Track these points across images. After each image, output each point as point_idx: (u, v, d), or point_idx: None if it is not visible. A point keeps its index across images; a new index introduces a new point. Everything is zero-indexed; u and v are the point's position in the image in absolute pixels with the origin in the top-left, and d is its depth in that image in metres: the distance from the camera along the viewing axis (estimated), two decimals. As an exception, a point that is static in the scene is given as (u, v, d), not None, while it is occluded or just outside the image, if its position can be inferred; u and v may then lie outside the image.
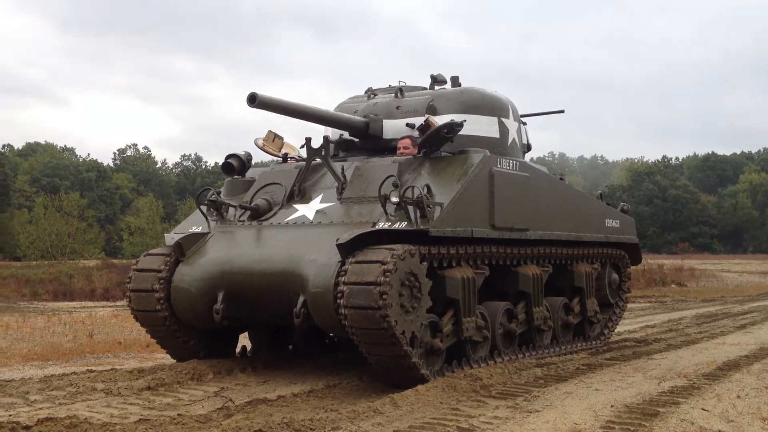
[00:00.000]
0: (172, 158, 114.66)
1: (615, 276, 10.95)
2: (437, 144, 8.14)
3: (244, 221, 8.14)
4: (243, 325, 8.69)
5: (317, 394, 6.96)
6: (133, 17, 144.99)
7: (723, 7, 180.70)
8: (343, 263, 6.79)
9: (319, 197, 8.09)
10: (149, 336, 8.42)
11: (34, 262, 37.58)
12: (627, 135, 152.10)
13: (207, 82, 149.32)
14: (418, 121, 8.49)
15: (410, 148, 8.37)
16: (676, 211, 71.46)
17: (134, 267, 8.08)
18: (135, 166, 79.93)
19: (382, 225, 7.11)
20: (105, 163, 77.02)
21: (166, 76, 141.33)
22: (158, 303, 7.75)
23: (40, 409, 6.36)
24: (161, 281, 7.75)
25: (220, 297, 7.51)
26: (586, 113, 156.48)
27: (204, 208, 8.30)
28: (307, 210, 7.95)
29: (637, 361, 9.01)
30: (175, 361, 8.27)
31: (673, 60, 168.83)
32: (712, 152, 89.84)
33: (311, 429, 5.48)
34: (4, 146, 77.35)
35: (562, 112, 11.87)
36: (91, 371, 8.16)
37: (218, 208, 8.31)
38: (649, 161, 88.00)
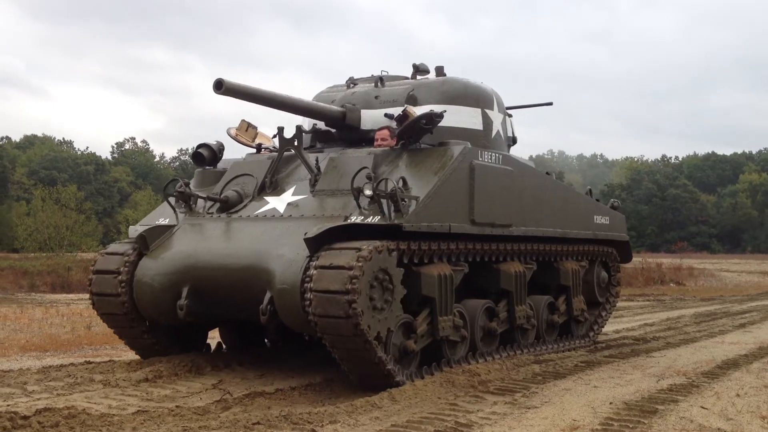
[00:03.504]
0: (168, 152, 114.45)
1: (604, 274, 10.72)
2: (415, 135, 7.75)
3: (213, 213, 7.80)
4: (210, 322, 8.38)
5: (315, 387, 6.94)
6: (102, 5, 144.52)
7: (708, 3, 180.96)
8: (311, 259, 6.48)
9: (292, 189, 7.76)
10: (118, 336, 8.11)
11: (32, 254, 37.54)
12: (616, 133, 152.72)
13: (182, 72, 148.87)
14: (398, 111, 8.11)
15: (388, 140, 8.02)
16: (676, 210, 71.55)
17: (93, 268, 7.71)
18: (133, 159, 79.86)
19: (355, 219, 6.82)
20: (103, 156, 77.05)
21: (141, 67, 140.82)
22: (122, 306, 7.45)
23: (39, 399, 6.34)
24: (122, 284, 7.40)
25: (184, 292, 7.17)
26: (577, 109, 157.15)
27: (173, 200, 7.96)
28: (278, 202, 7.63)
29: (636, 358, 9.00)
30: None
31: (658, 57, 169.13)
32: (712, 152, 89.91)
33: (309, 422, 5.46)
34: (2, 138, 77.25)
35: (551, 104, 11.51)
36: (89, 362, 8.14)
37: (186, 200, 7.97)
38: (649, 160, 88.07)
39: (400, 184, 6.91)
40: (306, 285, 6.36)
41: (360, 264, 6.19)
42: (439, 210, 7.14)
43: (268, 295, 6.72)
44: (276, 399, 6.43)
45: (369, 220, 6.76)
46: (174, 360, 7.71)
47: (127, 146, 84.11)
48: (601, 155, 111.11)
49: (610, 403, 6.21)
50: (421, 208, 6.91)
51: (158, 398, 6.46)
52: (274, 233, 7.12)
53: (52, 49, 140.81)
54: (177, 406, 5.97)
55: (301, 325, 6.71)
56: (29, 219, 43.57)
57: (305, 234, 6.56)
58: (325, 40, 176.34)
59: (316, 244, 6.51)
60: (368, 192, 6.79)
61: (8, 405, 6.06)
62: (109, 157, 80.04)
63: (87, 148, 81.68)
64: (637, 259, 28.25)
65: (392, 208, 6.73)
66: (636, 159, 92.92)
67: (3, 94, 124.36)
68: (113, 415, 5.68)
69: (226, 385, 7.02)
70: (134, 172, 75.33)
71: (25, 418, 5.39)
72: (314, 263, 6.38)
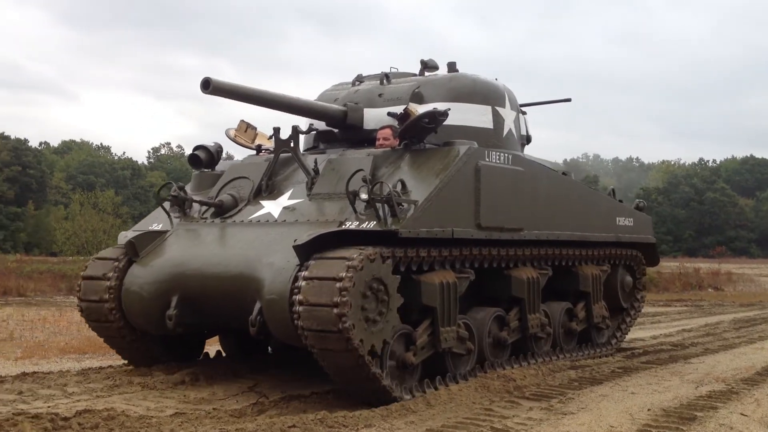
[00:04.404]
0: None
1: (628, 278, 10.22)
2: (418, 135, 7.27)
3: (207, 218, 7.44)
4: (204, 332, 8.09)
5: (351, 391, 6.96)
6: (133, 11, 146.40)
7: (741, 1, 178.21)
8: (300, 268, 6.07)
9: (288, 193, 7.34)
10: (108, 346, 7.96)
11: (70, 258, 38.08)
12: (652, 135, 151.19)
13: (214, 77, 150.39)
14: (401, 109, 7.65)
15: (390, 139, 7.58)
16: (713, 214, 70.53)
17: (83, 273, 7.47)
18: (169, 164, 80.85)
19: (350, 224, 6.40)
20: (139, 161, 78.19)
21: (172, 72, 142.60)
22: (110, 314, 7.17)
23: (78, 401, 6.44)
24: (111, 290, 7.12)
25: (173, 302, 6.82)
26: (611, 112, 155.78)
27: (167, 204, 7.62)
28: (273, 207, 7.22)
29: (674, 365, 8.87)
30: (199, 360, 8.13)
31: (692, 57, 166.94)
32: (751, 155, 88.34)
33: (344, 426, 5.48)
34: (40, 144, 78.78)
35: (569, 100, 10.96)
36: (128, 365, 8.24)
37: (181, 204, 7.60)
38: (686, 164, 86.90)
39: (398, 187, 6.55)
40: (294, 296, 5.97)
41: (350, 275, 5.77)
42: (440, 214, 6.70)
43: (257, 306, 6.32)
44: (312, 402, 6.45)
45: (364, 225, 6.34)
46: (211, 363, 7.79)
47: (162, 151, 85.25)
48: (637, 158, 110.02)
49: (648, 410, 6.14)
50: (420, 212, 6.45)
51: (195, 401, 6.53)
52: (266, 239, 6.72)
53: (85, 55, 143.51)
54: (214, 409, 6.04)
55: (291, 337, 6.26)
56: (67, 223, 44.32)
57: (294, 241, 6.17)
58: (354, 43, 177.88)
59: (307, 251, 6.10)
60: (364, 196, 6.34)
61: (49, 406, 6.17)
62: (146, 162, 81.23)
63: (123, 153, 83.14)
64: (674, 264, 27.88)
65: (388, 213, 6.32)
66: (672, 162, 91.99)
67: (39, 101, 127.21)
68: (151, 417, 5.75)
69: (262, 388, 7.06)
70: (170, 176, 76.22)
71: (65, 419, 5.48)
72: (302, 273, 5.98)
